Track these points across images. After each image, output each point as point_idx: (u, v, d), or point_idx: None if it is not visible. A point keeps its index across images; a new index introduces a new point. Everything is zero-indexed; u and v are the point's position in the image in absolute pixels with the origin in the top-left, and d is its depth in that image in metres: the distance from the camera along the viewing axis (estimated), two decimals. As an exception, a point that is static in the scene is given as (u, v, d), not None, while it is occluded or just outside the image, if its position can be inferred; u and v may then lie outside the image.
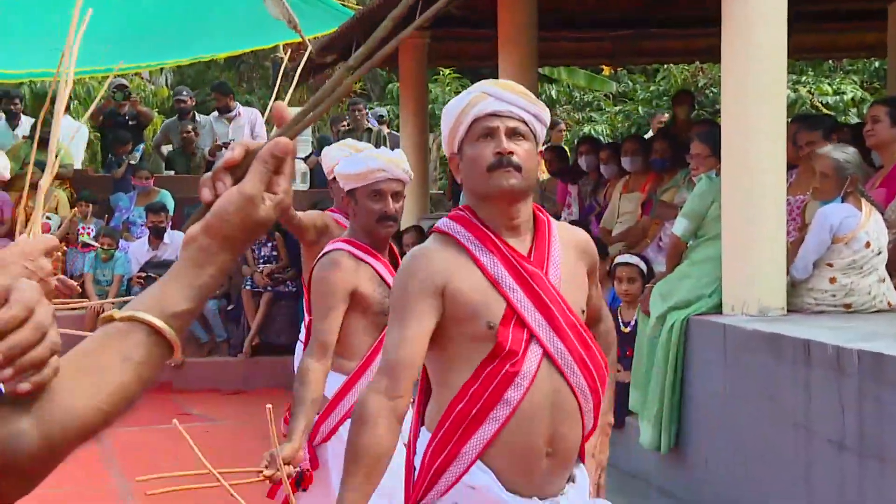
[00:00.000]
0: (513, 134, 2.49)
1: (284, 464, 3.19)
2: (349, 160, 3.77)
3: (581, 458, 2.62)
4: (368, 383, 2.54)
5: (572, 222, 7.74)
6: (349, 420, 3.59)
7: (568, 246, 2.59)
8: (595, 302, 2.77)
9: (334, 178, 4.53)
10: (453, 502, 2.53)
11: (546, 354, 2.47)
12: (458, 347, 2.51)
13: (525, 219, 2.54)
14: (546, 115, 2.56)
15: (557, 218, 9.26)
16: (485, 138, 2.49)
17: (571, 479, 2.58)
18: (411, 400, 2.51)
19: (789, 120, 5.90)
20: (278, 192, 1.27)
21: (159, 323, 1.19)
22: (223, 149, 12.61)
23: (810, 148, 5.77)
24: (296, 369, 5.01)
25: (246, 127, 12.63)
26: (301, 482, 3.56)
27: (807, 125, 6.15)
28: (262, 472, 3.17)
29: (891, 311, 5.09)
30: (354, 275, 3.64)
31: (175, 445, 8.44)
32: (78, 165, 12.28)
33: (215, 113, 12.92)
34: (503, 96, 2.51)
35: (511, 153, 2.46)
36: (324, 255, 3.72)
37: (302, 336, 5.08)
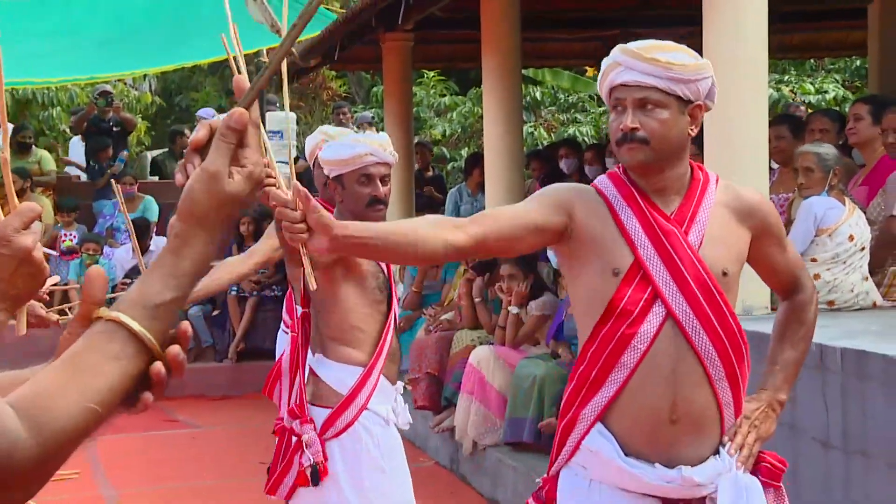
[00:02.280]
0: (642, 105, 2.43)
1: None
2: (335, 145, 3.74)
3: (722, 433, 2.50)
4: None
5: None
6: (364, 414, 3.60)
7: (726, 207, 2.53)
8: (783, 267, 2.66)
9: (315, 164, 4.52)
10: (580, 465, 2.51)
11: (670, 315, 2.42)
12: (583, 299, 2.50)
13: (672, 182, 2.50)
14: (688, 72, 2.43)
15: None
16: (616, 110, 2.47)
17: (716, 452, 2.48)
18: (469, 246, 2.34)
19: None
20: (246, 164, 1.25)
21: (136, 327, 1.18)
22: None
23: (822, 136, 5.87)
24: (277, 355, 5.02)
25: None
26: (315, 476, 3.53)
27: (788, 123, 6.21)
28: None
29: (874, 310, 5.11)
30: None
31: (160, 453, 8.46)
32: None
33: (211, 111, 12.91)
34: (632, 65, 2.44)
35: (635, 129, 2.41)
36: None
37: (283, 326, 5.09)
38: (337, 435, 3.59)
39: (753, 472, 2.53)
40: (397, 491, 3.69)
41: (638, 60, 2.43)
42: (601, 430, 2.45)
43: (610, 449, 2.44)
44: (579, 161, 8.87)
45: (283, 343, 4.99)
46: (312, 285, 2.17)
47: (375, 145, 3.65)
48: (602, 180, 2.57)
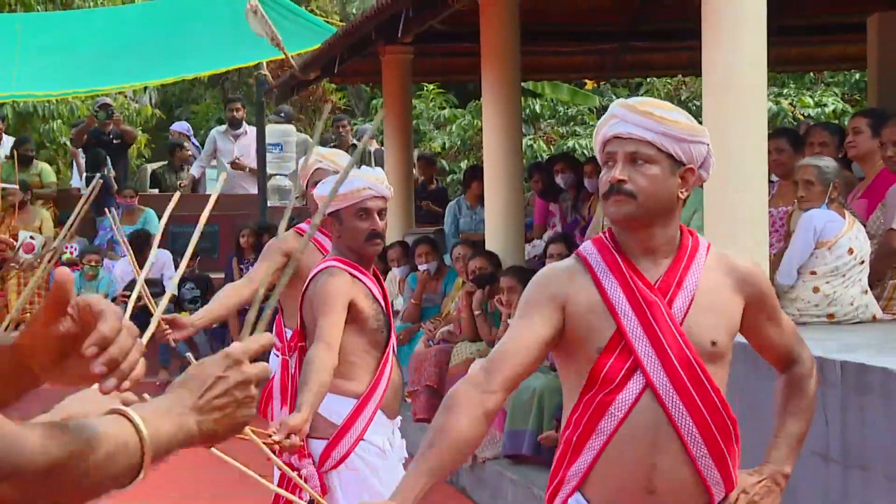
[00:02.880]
0: (633, 159, 2.42)
1: (292, 433, 3.19)
2: (330, 182, 3.77)
3: None
4: (466, 375, 2.48)
5: (557, 237, 7.76)
6: (361, 445, 3.60)
7: (719, 273, 2.49)
8: (778, 341, 2.61)
9: (309, 186, 4.54)
10: None
11: (649, 386, 2.39)
12: (572, 374, 2.48)
13: (662, 242, 2.47)
14: (681, 130, 2.43)
15: (539, 237, 9.16)
16: (607, 165, 2.46)
17: None
18: (503, 398, 2.39)
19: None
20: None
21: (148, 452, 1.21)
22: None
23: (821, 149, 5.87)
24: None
25: (251, 146, 12.62)
26: None
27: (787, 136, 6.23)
28: (271, 435, 3.14)
29: (874, 323, 5.11)
30: (352, 287, 3.64)
31: (162, 465, 8.36)
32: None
33: (222, 127, 12.92)
34: (625, 117, 2.44)
35: (622, 181, 2.40)
36: (319, 271, 3.69)
37: (275, 350, 5.08)
38: (335, 466, 3.60)
39: None
40: None
41: (633, 113, 2.43)
42: (579, 500, 2.45)
43: None
44: (576, 175, 8.87)
45: (273, 366, 4.96)
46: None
47: (373, 179, 3.67)
48: (587, 247, 2.54)
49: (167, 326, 4.02)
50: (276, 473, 4.03)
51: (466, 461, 2.78)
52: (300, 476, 3.54)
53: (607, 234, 2.53)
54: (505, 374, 2.37)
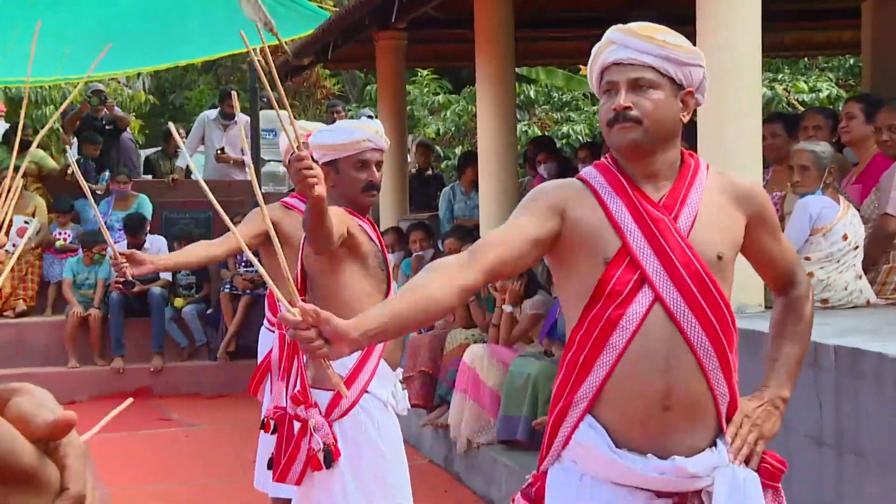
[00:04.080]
0: (636, 85, 2.40)
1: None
2: (330, 130, 3.75)
3: (723, 426, 2.44)
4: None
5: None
6: (364, 397, 3.60)
7: (719, 191, 2.48)
8: (778, 257, 2.61)
9: (290, 163, 4.50)
10: (571, 460, 2.46)
11: (658, 300, 2.37)
12: (575, 289, 2.45)
13: (664, 166, 2.46)
14: (682, 53, 2.41)
15: None
16: (608, 94, 2.43)
17: (713, 445, 2.43)
18: (480, 282, 2.33)
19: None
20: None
21: None
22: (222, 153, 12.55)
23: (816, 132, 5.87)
24: (260, 357, 5.02)
25: (242, 133, 12.57)
26: (329, 458, 3.52)
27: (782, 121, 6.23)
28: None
29: (868, 308, 5.12)
30: (348, 217, 3.61)
31: (154, 451, 8.46)
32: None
33: (213, 113, 12.87)
34: (626, 42, 2.41)
35: (628, 108, 2.38)
36: None
37: (265, 323, 5.09)
38: (342, 416, 3.59)
39: (755, 471, 2.48)
40: (394, 474, 3.71)
41: (633, 38, 2.41)
42: (591, 422, 2.40)
43: (600, 441, 2.39)
44: (559, 165, 8.84)
45: (267, 341, 4.97)
46: (345, 393, 2.27)
47: (372, 131, 3.69)
48: (589, 171, 2.53)
49: (125, 261, 3.99)
50: (263, 445, 4.01)
51: (428, 324, 2.73)
52: (308, 426, 3.54)
53: (609, 159, 2.52)
54: (489, 258, 2.32)
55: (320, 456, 3.52)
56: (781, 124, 6.26)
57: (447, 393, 6.76)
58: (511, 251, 2.36)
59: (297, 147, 3.02)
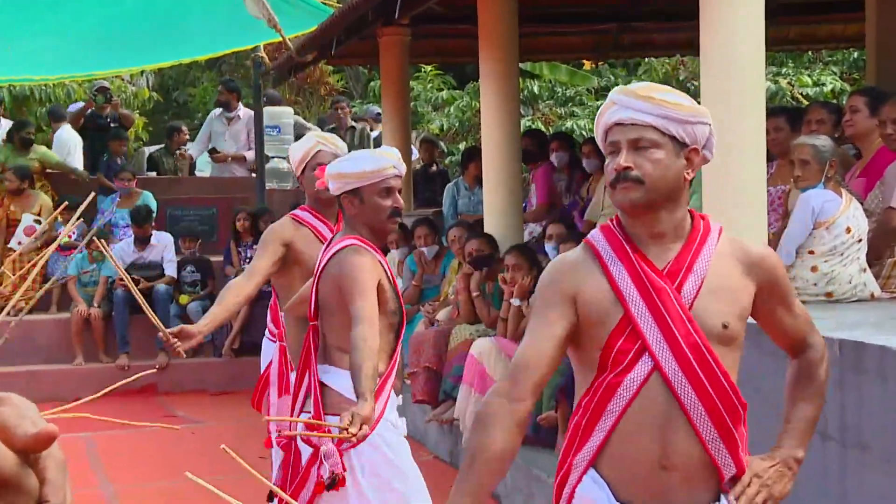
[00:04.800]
0: (636, 145, 2.41)
1: (363, 424, 3.19)
2: (353, 159, 3.77)
3: (724, 487, 2.46)
4: (493, 386, 2.53)
5: (557, 217, 7.76)
6: (381, 425, 3.61)
7: (729, 258, 2.47)
8: (790, 328, 2.61)
9: (305, 170, 4.51)
10: None
11: (657, 369, 2.40)
12: (586, 362, 2.49)
13: (670, 227, 2.46)
14: (682, 112, 2.43)
15: (543, 217, 9.02)
16: (612, 154, 2.46)
17: (717, 500, 2.45)
18: (532, 404, 2.44)
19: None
20: None
21: None
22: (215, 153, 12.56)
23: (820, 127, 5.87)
24: (262, 366, 5.02)
25: (244, 132, 12.58)
26: (334, 485, 3.54)
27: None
28: (347, 428, 3.12)
29: (872, 301, 5.12)
30: (377, 267, 3.64)
31: (159, 448, 8.46)
32: (78, 165, 12.20)
33: (218, 110, 12.89)
34: (626, 103, 2.43)
35: (628, 168, 2.40)
36: (341, 248, 3.65)
37: (267, 333, 5.05)
38: (355, 445, 3.60)
39: None
40: (418, 492, 3.73)
41: (633, 99, 2.43)
42: (594, 477, 2.45)
43: (602, 496, 2.43)
44: (569, 156, 8.85)
45: (269, 352, 4.94)
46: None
47: (395, 159, 3.72)
48: (595, 235, 2.55)
49: (176, 339, 4.03)
50: (277, 459, 4.02)
51: (505, 475, 2.86)
52: (319, 454, 3.55)
53: (614, 221, 2.53)
54: (531, 380, 2.41)
55: (326, 483, 3.53)
56: (785, 118, 6.25)
57: (452, 388, 6.77)
58: (547, 362, 2.44)
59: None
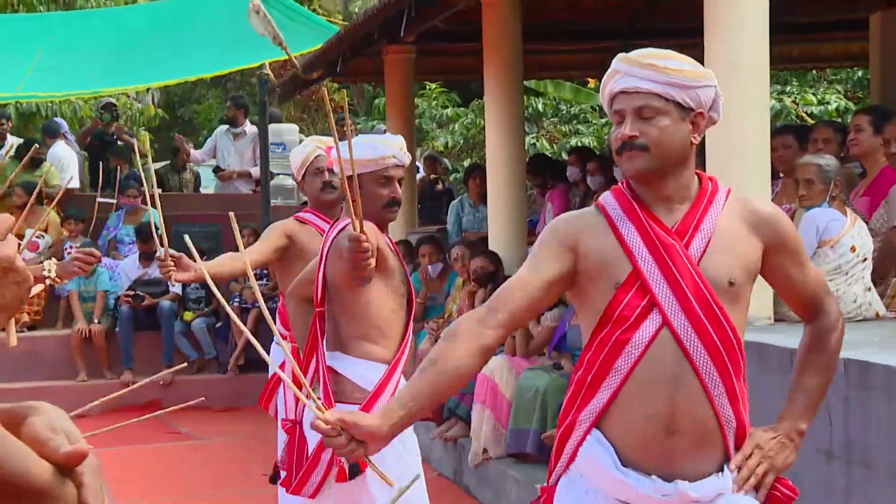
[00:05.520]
0: (641, 113, 2.42)
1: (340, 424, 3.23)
2: (354, 145, 3.76)
3: (730, 452, 2.45)
4: (470, 311, 2.52)
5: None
6: None
7: (737, 217, 2.48)
8: (800, 284, 2.58)
9: (307, 174, 4.54)
10: (579, 473, 2.48)
11: (666, 325, 2.39)
12: (589, 314, 2.48)
13: (677, 191, 2.47)
14: (685, 77, 2.43)
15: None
16: (617, 122, 2.47)
17: (720, 470, 2.43)
18: (502, 337, 2.41)
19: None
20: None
21: None
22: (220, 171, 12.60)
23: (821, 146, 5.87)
24: (271, 370, 5.01)
25: (249, 148, 12.61)
26: (356, 470, 3.51)
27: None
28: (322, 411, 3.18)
29: (877, 320, 5.11)
30: (378, 234, 3.63)
31: (163, 464, 8.45)
32: (76, 184, 12.23)
33: (225, 126, 12.94)
34: (628, 71, 2.44)
35: (634, 136, 2.41)
36: (344, 227, 3.64)
37: (276, 336, 5.04)
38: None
39: (763, 501, 2.48)
40: (417, 497, 3.72)
41: (635, 67, 2.44)
42: (599, 437, 2.43)
43: (606, 457, 2.41)
44: (583, 171, 8.86)
45: (278, 355, 4.94)
46: (390, 483, 2.31)
47: (396, 148, 3.71)
48: (605, 196, 2.56)
49: (173, 263, 4.05)
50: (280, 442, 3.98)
51: (455, 393, 2.81)
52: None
53: (624, 184, 2.55)
54: (507, 312, 2.40)
55: (346, 467, 3.50)
56: (793, 135, 6.27)
57: (456, 406, 6.76)
58: (529, 299, 2.43)
59: (359, 228, 3.16)
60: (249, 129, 12.70)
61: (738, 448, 2.46)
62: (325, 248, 3.72)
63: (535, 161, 9.86)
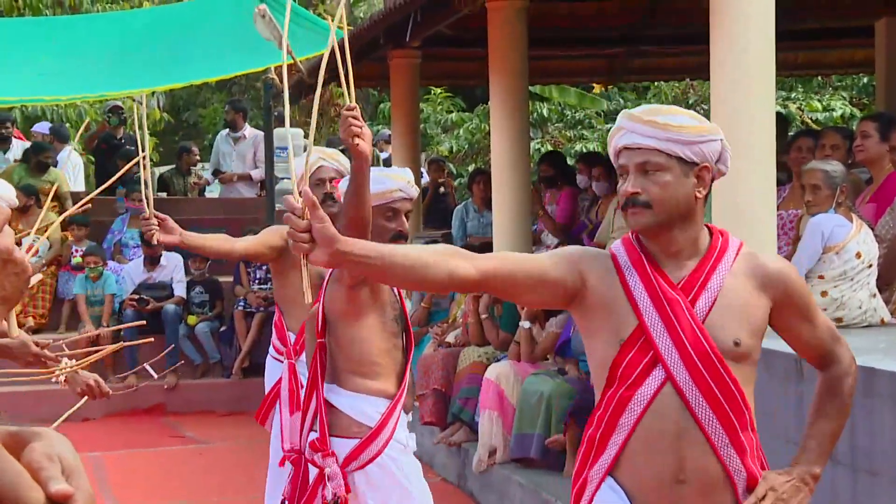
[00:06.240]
0: (643, 169, 2.43)
1: None
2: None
3: (737, 499, 2.46)
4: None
5: (565, 240, 7.75)
6: (390, 446, 3.61)
7: (745, 274, 2.48)
8: (811, 340, 2.60)
9: (310, 185, 4.55)
10: None
11: (669, 380, 2.40)
12: (598, 369, 2.50)
13: (685, 245, 2.48)
14: (687, 133, 2.43)
15: (562, 236, 8.90)
16: (623, 177, 2.49)
17: None
18: (473, 279, 2.32)
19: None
20: None
21: None
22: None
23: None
24: (267, 385, 5.01)
25: (250, 151, 12.63)
26: None
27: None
28: None
29: (882, 327, 5.10)
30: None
31: (167, 469, 8.45)
32: (79, 188, 12.24)
33: (225, 130, 12.95)
34: (631, 128, 2.46)
35: (636, 193, 2.42)
36: None
37: (272, 352, 5.05)
38: (361, 467, 3.58)
39: None
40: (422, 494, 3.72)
41: (637, 123, 2.45)
42: (612, 485, 2.46)
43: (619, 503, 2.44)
44: (611, 183, 8.84)
45: (275, 371, 4.92)
46: (308, 298, 2.14)
47: (403, 181, 3.70)
48: (616, 246, 2.58)
49: (156, 224, 4.08)
50: (288, 470, 4.01)
51: (409, 286, 2.73)
52: (323, 474, 3.54)
53: (634, 236, 2.55)
54: (492, 264, 2.37)
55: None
56: (812, 139, 6.29)
57: (460, 411, 6.75)
58: (518, 273, 2.40)
59: (351, 98, 3.15)
60: (249, 132, 12.71)
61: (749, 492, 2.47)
62: (325, 280, 3.73)
63: (551, 156, 9.85)
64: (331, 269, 3.71)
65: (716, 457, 2.41)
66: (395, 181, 3.68)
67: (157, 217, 4.13)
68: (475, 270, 2.31)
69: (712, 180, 2.51)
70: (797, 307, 2.55)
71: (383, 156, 12.51)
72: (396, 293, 3.78)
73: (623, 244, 2.56)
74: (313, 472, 3.65)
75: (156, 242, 4.23)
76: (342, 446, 3.59)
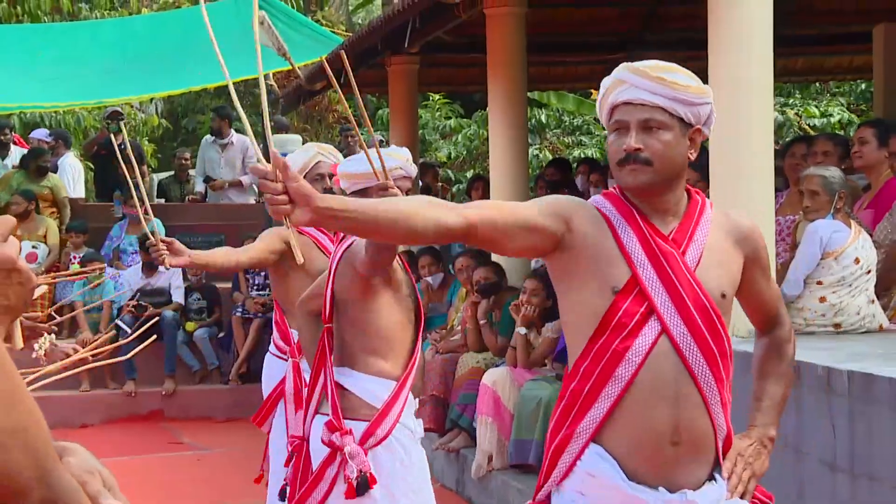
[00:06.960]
0: (646, 126, 2.40)
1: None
2: (361, 159, 3.74)
3: (720, 458, 2.47)
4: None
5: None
6: (397, 427, 3.60)
7: (722, 230, 2.51)
8: (767, 298, 2.63)
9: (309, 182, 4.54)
10: (578, 491, 2.43)
11: (665, 332, 2.37)
12: (581, 318, 2.44)
13: (671, 204, 2.48)
14: (692, 94, 2.42)
15: None
16: (617, 132, 2.44)
17: (713, 478, 2.45)
18: (459, 228, 2.26)
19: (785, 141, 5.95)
20: None
21: None
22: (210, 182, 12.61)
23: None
24: (265, 385, 4.98)
25: (238, 158, 12.62)
26: (364, 485, 3.50)
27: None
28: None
29: (881, 332, 5.10)
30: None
31: (166, 475, 8.44)
32: (79, 194, 12.23)
33: (211, 137, 12.94)
34: (636, 82, 2.41)
35: (639, 149, 2.39)
36: (354, 240, 3.64)
37: (272, 348, 5.03)
38: (375, 445, 3.58)
39: None
40: (425, 499, 3.71)
41: (644, 79, 2.40)
42: (600, 452, 2.39)
43: (612, 472, 2.37)
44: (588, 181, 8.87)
45: (274, 369, 4.91)
46: (299, 259, 2.10)
47: (403, 160, 3.70)
48: (598, 200, 2.53)
49: (165, 248, 4.08)
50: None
51: (394, 240, 2.63)
52: (343, 454, 3.52)
53: (618, 189, 2.52)
54: (477, 212, 2.31)
55: (355, 483, 3.49)
56: (805, 145, 6.30)
57: (458, 417, 6.75)
58: (504, 222, 2.34)
59: (384, 176, 3.19)
60: (236, 138, 12.67)
61: (724, 453, 2.49)
62: (335, 263, 3.71)
63: (557, 162, 9.87)
64: (339, 255, 3.69)
65: (707, 414, 2.40)
66: (395, 159, 3.67)
67: (164, 241, 4.14)
68: (462, 219, 2.26)
69: (699, 143, 2.51)
70: (762, 266, 2.59)
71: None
72: (407, 271, 3.78)
73: (606, 198, 2.52)
74: (317, 457, 3.62)
75: (167, 268, 4.25)
76: (357, 427, 3.58)
